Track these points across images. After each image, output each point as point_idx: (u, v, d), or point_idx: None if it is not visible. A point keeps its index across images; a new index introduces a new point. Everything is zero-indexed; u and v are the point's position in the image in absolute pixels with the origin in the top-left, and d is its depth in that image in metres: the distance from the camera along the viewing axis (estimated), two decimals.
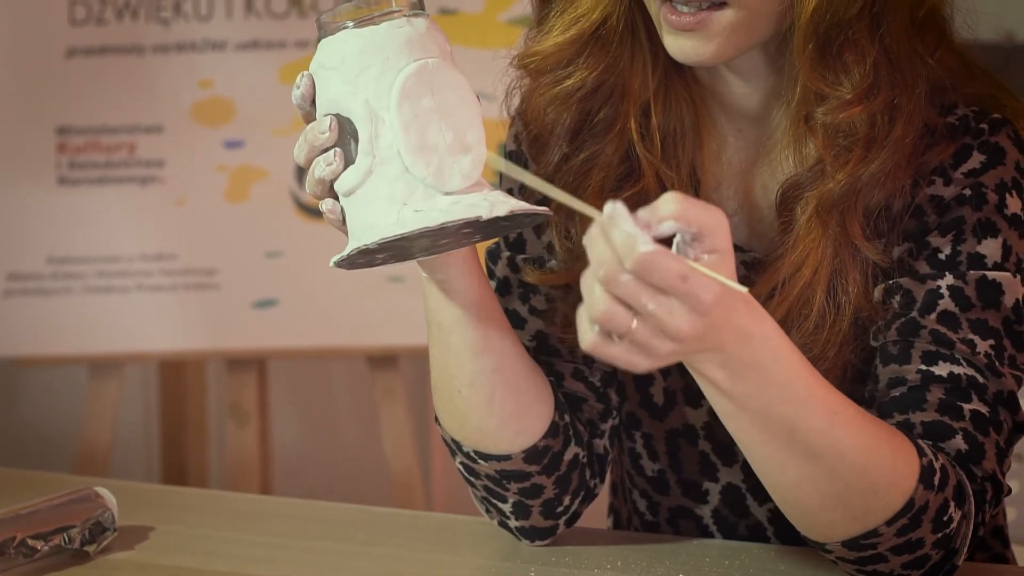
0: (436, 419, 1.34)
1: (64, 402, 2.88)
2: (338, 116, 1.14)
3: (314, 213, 2.39)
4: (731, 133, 1.34)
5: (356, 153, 1.14)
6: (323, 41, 1.16)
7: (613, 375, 1.40)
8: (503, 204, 1.12)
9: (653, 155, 1.31)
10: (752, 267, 1.33)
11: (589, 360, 1.38)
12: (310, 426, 3.02)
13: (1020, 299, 1.26)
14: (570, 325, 1.24)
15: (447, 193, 1.13)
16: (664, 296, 0.99)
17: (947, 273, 1.25)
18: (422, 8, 1.16)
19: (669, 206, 1.00)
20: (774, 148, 1.31)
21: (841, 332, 1.26)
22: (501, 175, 1.42)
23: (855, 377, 1.29)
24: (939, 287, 1.25)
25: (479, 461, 1.31)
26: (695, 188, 1.33)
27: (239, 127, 2.45)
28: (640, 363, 1.02)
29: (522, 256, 1.38)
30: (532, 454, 1.30)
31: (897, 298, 1.26)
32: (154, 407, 2.90)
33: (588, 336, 1.02)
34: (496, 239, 1.39)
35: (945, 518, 1.19)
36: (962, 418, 1.22)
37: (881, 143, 1.23)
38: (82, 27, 2.46)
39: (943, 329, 1.24)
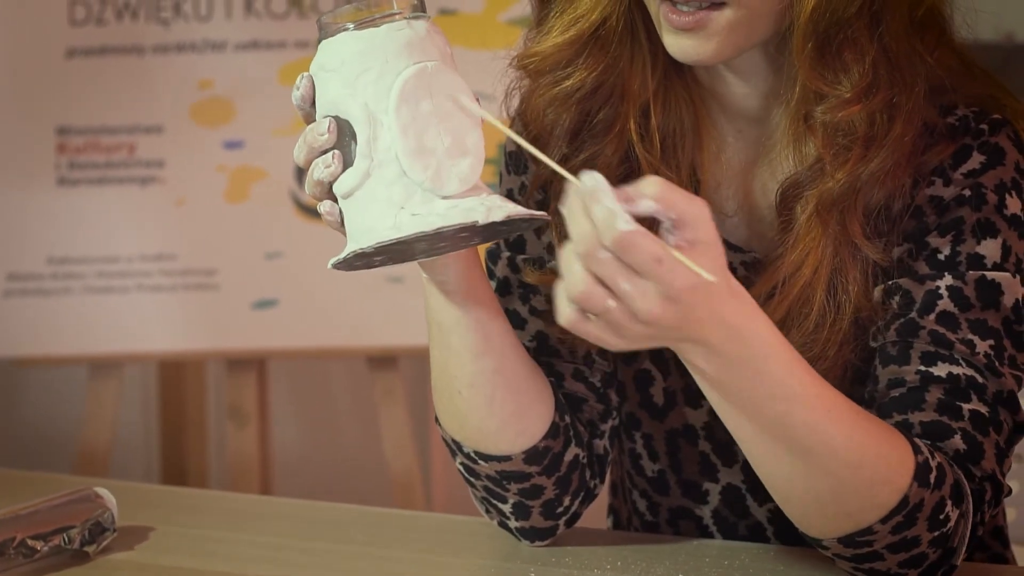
0: (436, 419, 1.34)
1: (64, 402, 2.88)
2: (337, 118, 1.14)
3: (314, 213, 2.39)
4: (731, 134, 1.34)
5: (355, 155, 1.14)
6: (323, 42, 1.16)
7: (613, 375, 1.40)
8: (500, 209, 1.12)
9: (653, 156, 1.31)
10: (752, 267, 1.33)
11: (589, 361, 1.38)
12: (310, 426, 3.02)
13: (1020, 299, 1.26)
14: None
15: (445, 197, 1.13)
16: (639, 278, 1.01)
17: (946, 273, 1.25)
18: (423, 10, 1.16)
19: (651, 187, 1.02)
20: (773, 148, 1.31)
21: (841, 331, 1.26)
22: (501, 176, 1.42)
23: (856, 377, 1.29)
24: (938, 287, 1.25)
25: (479, 462, 1.31)
26: (695, 189, 1.33)
27: (239, 127, 2.45)
28: (614, 342, 1.05)
29: (522, 256, 1.38)
30: (532, 455, 1.30)
31: (896, 299, 1.26)
32: (154, 407, 2.90)
33: (566, 313, 1.04)
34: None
35: (942, 517, 1.19)
36: (961, 418, 1.22)
37: (880, 142, 1.23)
38: (82, 27, 2.46)
39: (942, 330, 1.24)
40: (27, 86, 2.46)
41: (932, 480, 1.18)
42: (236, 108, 2.45)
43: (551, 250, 1.36)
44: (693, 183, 1.33)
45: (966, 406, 1.23)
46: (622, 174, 1.32)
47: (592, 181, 1.01)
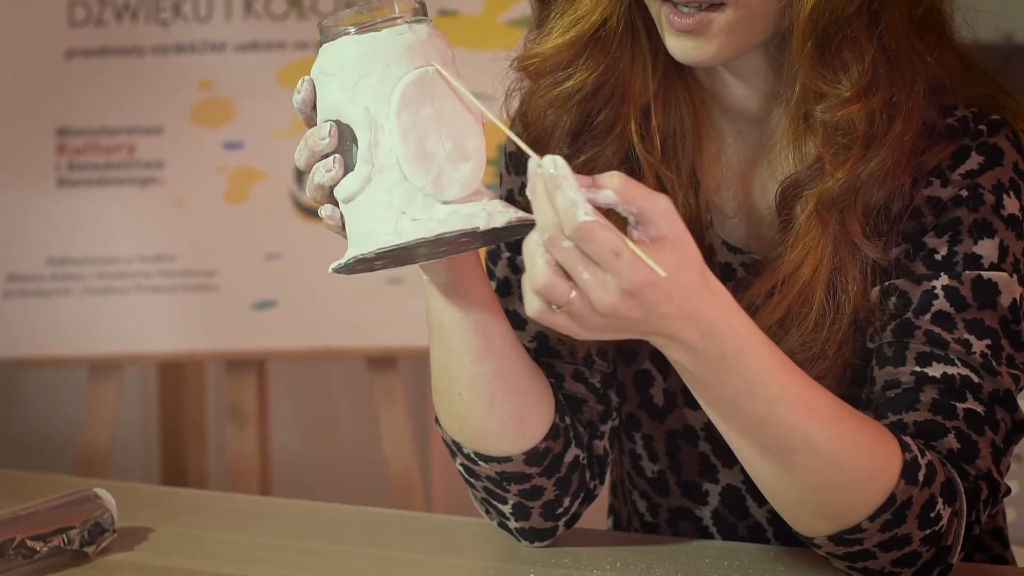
0: (436, 420, 1.34)
1: (63, 403, 2.88)
2: (338, 122, 1.14)
3: (313, 214, 2.39)
4: (731, 134, 1.34)
5: (356, 159, 1.14)
6: (324, 46, 1.15)
7: (613, 376, 1.40)
8: (501, 215, 1.12)
9: (653, 156, 1.31)
10: (751, 268, 1.33)
11: (589, 361, 1.38)
12: (309, 427, 3.02)
13: (1017, 299, 1.26)
14: None
15: (445, 202, 1.13)
16: (600, 269, 1.02)
17: (942, 274, 1.25)
18: (424, 14, 1.16)
19: (612, 180, 1.03)
20: (773, 148, 1.31)
21: (841, 331, 1.26)
22: (501, 177, 1.42)
23: (856, 377, 1.29)
24: (934, 288, 1.25)
25: (479, 463, 1.31)
26: (695, 189, 1.33)
27: (238, 128, 2.45)
28: (580, 333, 1.06)
29: (522, 257, 1.37)
30: (533, 456, 1.31)
31: (893, 299, 1.26)
32: (153, 408, 2.90)
33: (534, 305, 1.06)
34: None
35: (932, 515, 1.19)
36: (955, 417, 1.22)
37: (880, 141, 1.23)
38: (81, 28, 2.46)
39: (937, 329, 1.24)
40: (27, 87, 2.46)
41: (921, 478, 1.18)
42: (236, 109, 2.45)
43: None
44: (693, 184, 1.33)
45: (961, 405, 1.23)
46: None
47: (554, 167, 1.02)
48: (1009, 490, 1.27)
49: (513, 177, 1.40)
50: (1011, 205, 1.26)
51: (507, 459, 1.30)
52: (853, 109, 1.22)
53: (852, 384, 1.29)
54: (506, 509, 1.35)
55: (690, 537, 1.42)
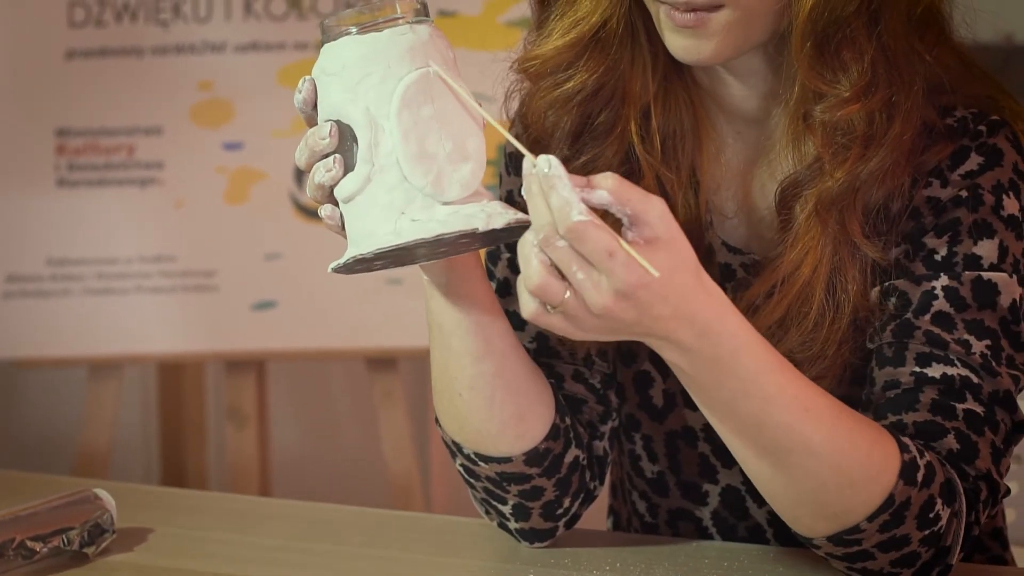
0: (436, 421, 1.34)
1: (63, 404, 2.88)
2: (339, 122, 1.14)
3: (313, 215, 2.39)
4: (730, 135, 1.34)
5: (357, 159, 1.14)
6: (326, 46, 1.16)
7: (613, 377, 1.40)
8: (500, 216, 1.12)
9: (653, 157, 1.32)
10: (751, 269, 1.33)
11: (589, 362, 1.38)
12: (309, 428, 3.02)
13: (1017, 299, 1.26)
14: None
15: (445, 203, 1.13)
16: (594, 269, 1.02)
17: (942, 274, 1.25)
18: (426, 15, 1.16)
19: (606, 180, 1.04)
20: (773, 149, 1.32)
21: (840, 330, 1.26)
22: (501, 177, 1.42)
23: (855, 377, 1.29)
24: (934, 288, 1.25)
25: (479, 463, 1.32)
26: (695, 190, 1.33)
27: (238, 129, 2.45)
28: (575, 334, 1.06)
29: None
30: (533, 456, 1.31)
31: (893, 300, 1.26)
32: (153, 409, 2.90)
33: (530, 306, 1.06)
34: None
35: (931, 515, 1.19)
36: (955, 418, 1.22)
37: (879, 141, 1.23)
38: (81, 29, 2.46)
39: (937, 330, 1.24)
40: (26, 87, 2.46)
41: (919, 479, 1.18)
42: (235, 109, 2.45)
43: None
44: (693, 184, 1.34)
45: (960, 406, 1.23)
46: (622, 175, 1.31)
47: (548, 166, 1.02)
48: (1009, 491, 1.27)
49: (513, 178, 1.40)
50: (1011, 206, 1.26)
51: (507, 460, 1.30)
52: (852, 109, 1.22)
53: (851, 384, 1.29)
54: (506, 510, 1.35)
55: (690, 538, 1.42)
